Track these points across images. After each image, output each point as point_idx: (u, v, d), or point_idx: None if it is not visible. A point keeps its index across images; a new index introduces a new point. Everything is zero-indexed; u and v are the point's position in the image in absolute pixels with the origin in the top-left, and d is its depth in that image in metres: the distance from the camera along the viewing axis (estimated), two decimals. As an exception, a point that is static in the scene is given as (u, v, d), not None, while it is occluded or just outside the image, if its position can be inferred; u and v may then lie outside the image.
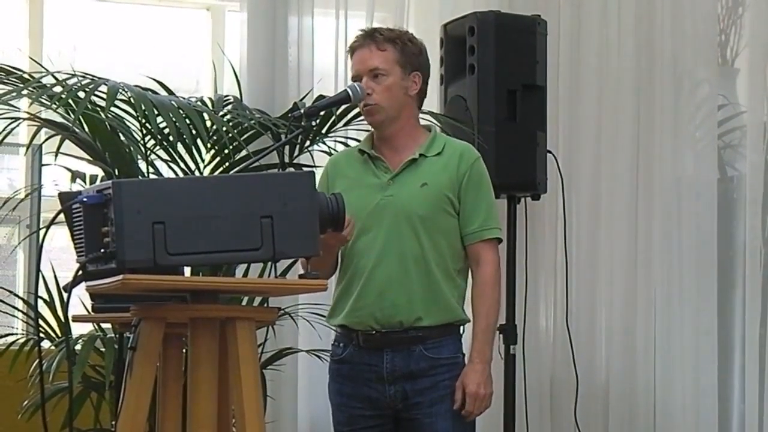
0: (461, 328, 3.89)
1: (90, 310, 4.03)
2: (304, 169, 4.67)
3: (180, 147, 4.66)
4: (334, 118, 4.71)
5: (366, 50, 3.86)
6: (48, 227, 3.27)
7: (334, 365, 3.92)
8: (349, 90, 3.90)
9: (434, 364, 3.77)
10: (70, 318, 4.10)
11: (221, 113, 4.63)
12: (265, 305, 4.47)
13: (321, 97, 4.54)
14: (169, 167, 4.73)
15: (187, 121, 4.39)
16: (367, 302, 3.79)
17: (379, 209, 3.80)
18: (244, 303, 4.40)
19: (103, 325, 4.60)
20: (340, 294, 3.89)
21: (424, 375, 3.77)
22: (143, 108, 4.26)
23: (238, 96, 4.96)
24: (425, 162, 3.83)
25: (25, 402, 4.61)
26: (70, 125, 4.53)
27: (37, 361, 3.91)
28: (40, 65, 4.77)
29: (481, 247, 3.81)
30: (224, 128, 4.49)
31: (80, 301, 4.30)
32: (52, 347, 4.62)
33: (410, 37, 3.91)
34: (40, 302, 4.54)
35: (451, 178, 3.81)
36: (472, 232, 3.81)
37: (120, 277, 3.03)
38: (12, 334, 4.75)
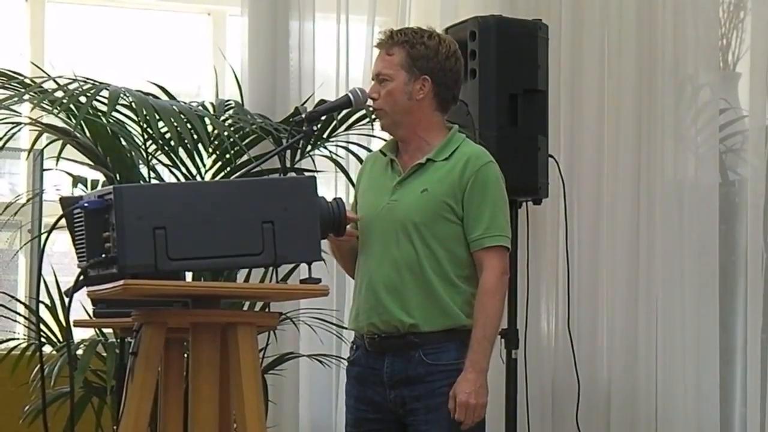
0: (469, 333, 3.84)
1: (91, 315, 4.02)
2: (306, 174, 4.68)
3: (181, 152, 4.66)
4: (335, 122, 4.71)
5: (379, 54, 3.84)
6: (49, 232, 3.27)
7: (348, 367, 3.92)
8: (350, 94, 3.89)
9: (432, 370, 3.74)
10: (71, 323, 4.10)
11: (222, 118, 4.63)
12: (267, 310, 4.46)
13: (322, 101, 4.54)
14: (171, 172, 4.73)
15: (189, 125, 4.39)
16: (368, 306, 3.79)
17: (383, 213, 3.79)
18: (245, 308, 4.40)
19: (105, 330, 4.60)
20: (352, 297, 3.90)
21: (421, 381, 3.75)
22: (144, 113, 4.27)
23: (240, 100, 4.97)
24: (432, 167, 3.80)
25: (27, 407, 4.61)
26: (72, 130, 4.53)
27: (38, 366, 3.92)
28: (42, 70, 4.78)
29: (484, 255, 3.77)
30: (225, 133, 4.49)
31: (81, 306, 4.30)
32: (54, 352, 4.62)
33: (425, 40, 3.79)
34: (41, 307, 4.54)
35: (453, 184, 3.77)
36: (474, 240, 3.77)
37: (121, 282, 3.03)
38: (13, 339, 4.75)
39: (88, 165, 4.71)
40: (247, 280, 4.62)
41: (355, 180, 4.07)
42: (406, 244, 3.75)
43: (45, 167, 5.13)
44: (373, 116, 4.03)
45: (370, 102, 3.88)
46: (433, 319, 3.75)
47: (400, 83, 3.79)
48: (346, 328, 4.78)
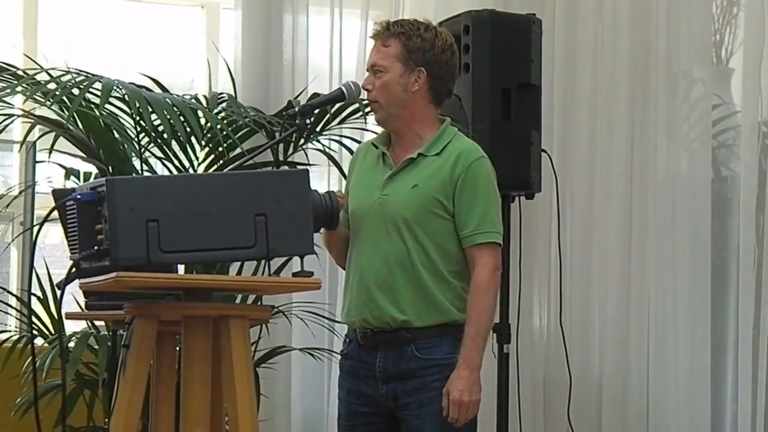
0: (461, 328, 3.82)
1: (83, 307, 4.02)
2: (299, 167, 4.67)
3: (174, 144, 4.65)
4: (328, 116, 4.71)
5: (374, 45, 3.83)
6: (42, 224, 3.27)
7: (341, 360, 3.92)
8: (343, 88, 3.88)
9: (424, 365, 3.74)
10: (63, 315, 4.10)
11: (216, 111, 4.63)
12: (259, 303, 4.47)
13: (315, 94, 4.53)
14: (163, 165, 4.73)
15: (182, 118, 4.39)
16: (360, 302, 3.78)
17: (374, 208, 3.78)
18: (237, 301, 4.40)
19: (97, 323, 4.60)
20: (343, 291, 3.89)
21: (413, 376, 3.74)
22: (137, 105, 4.26)
23: (233, 93, 4.96)
24: (423, 162, 3.79)
25: (18, 399, 4.61)
26: (65, 122, 4.53)
27: (30, 358, 3.91)
28: (35, 62, 4.77)
29: (476, 251, 3.75)
30: (218, 126, 4.49)
31: (74, 298, 4.30)
32: (46, 344, 4.62)
33: (421, 32, 3.77)
34: (33, 299, 4.54)
35: (444, 180, 3.75)
36: (465, 236, 3.76)
37: (113, 274, 3.04)
38: (5, 332, 4.74)
39: (80, 157, 4.71)
40: (239, 273, 4.62)
41: (346, 171, 4.07)
42: (397, 239, 3.74)
43: (37, 159, 5.12)
44: (367, 109, 4.02)
45: (364, 94, 3.87)
46: (425, 315, 3.74)
47: (395, 75, 3.77)
48: (338, 322, 4.78)
